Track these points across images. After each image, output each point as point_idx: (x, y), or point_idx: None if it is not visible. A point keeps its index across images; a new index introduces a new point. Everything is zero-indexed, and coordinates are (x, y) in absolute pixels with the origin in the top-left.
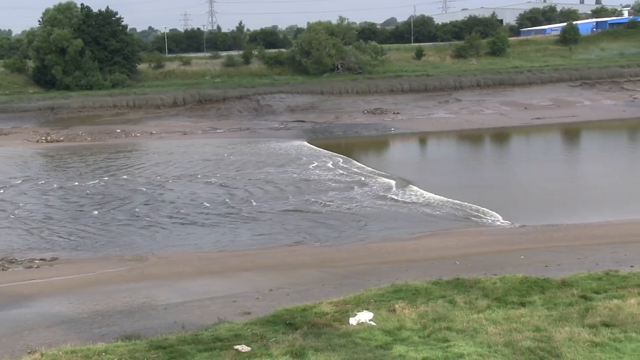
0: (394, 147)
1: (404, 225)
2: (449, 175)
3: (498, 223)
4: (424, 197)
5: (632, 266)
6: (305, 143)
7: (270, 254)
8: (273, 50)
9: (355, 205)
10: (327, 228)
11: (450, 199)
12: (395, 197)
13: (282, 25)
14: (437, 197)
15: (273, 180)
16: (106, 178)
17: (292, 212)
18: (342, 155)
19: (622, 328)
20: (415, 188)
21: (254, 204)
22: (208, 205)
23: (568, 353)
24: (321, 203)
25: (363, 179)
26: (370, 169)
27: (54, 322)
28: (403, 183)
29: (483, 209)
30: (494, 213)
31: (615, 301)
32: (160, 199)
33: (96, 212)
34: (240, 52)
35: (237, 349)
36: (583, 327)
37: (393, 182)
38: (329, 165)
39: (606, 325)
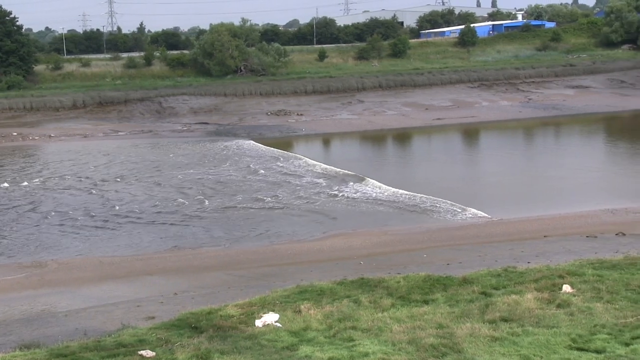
0: (301, 146)
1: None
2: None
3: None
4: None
5: (528, 262)
6: (252, 142)
7: (175, 257)
8: (175, 52)
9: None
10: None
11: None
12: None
13: (184, 27)
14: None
15: (195, 180)
16: (3, 182)
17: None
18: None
19: (520, 322)
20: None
21: (175, 206)
22: (117, 208)
23: (469, 348)
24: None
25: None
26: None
27: None
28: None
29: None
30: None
31: (513, 296)
32: (64, 203)
33: None
34: (142, 54)
35: (141, 355)
36: (483, 323)
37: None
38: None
39: (505, 320)
